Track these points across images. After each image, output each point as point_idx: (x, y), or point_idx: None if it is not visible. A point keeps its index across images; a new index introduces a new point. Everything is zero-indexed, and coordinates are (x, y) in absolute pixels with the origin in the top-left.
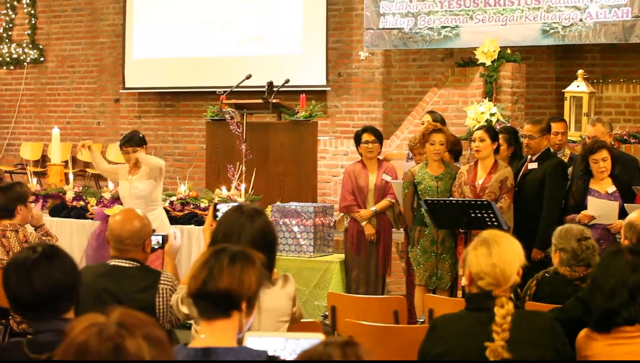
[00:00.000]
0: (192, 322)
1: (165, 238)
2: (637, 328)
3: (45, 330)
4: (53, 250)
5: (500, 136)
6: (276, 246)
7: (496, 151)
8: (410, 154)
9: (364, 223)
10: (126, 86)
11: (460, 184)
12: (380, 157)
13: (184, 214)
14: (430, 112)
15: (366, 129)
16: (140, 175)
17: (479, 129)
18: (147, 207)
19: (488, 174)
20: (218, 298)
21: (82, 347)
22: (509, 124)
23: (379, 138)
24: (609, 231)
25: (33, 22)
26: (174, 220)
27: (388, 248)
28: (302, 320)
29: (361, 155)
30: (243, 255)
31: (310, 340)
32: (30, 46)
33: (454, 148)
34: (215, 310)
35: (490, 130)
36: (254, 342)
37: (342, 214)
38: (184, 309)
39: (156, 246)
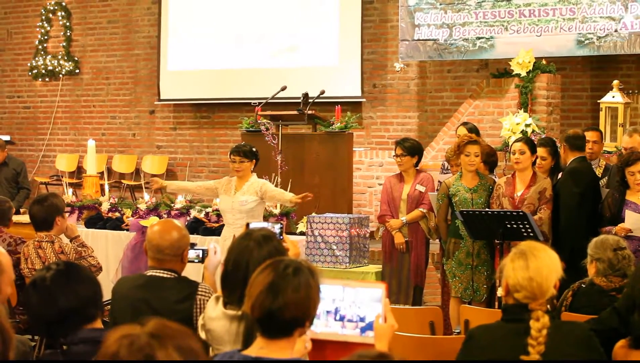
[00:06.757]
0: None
1: (205, 253)
2: None
3: (78, 342)
4: (67, 265)
5: (544, 149)
6: None
7: (533, 164)
8: (447, 165)
9: (394, 232)
10: (161, 97)
11: (498, 196)
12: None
13: (220, 226)
14: (465, 124)
15: (397, 143)
16: (244, 190)
17: (518, 141)
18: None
19: (527, 186)
20: (284, 325)
21: (114, 357)
22: (544, 135)
23: (409, 151)
24: None
25: (68, 34)
26: (209, 231)
27: (421, 258)
28: None
29: None
30: (306, 282)
31: (370, 289)
32: (66, 58)
33: (489, 159)
34: (279, 333)
35: (529, 142)
36: None
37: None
38: (202, 334)
39: (195, 260)
